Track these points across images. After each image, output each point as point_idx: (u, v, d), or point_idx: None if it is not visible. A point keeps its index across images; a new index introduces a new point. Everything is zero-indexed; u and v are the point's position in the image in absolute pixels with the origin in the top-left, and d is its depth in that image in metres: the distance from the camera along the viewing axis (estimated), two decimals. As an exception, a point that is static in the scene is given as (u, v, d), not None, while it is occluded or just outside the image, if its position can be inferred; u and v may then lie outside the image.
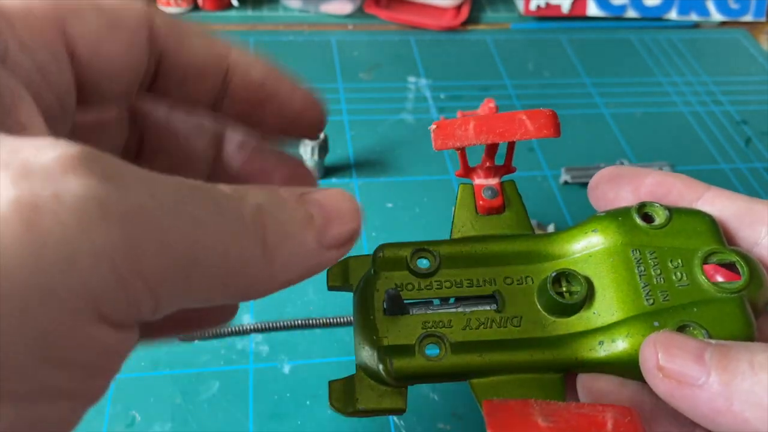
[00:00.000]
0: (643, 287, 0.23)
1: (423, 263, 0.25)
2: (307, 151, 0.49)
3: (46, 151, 0.15)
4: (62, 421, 0.16)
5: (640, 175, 0.26)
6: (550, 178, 0.53)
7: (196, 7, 0.69)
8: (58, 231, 0.14)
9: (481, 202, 0.27)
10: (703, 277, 0.23)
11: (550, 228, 0.47)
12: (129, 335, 0.16)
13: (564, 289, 0.24)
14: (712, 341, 0.21)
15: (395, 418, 0.36)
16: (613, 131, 0.58)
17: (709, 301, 0.23)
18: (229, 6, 0.69)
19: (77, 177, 0.14)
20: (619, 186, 0.26)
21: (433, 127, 0.26)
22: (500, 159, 0.28)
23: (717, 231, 0.24)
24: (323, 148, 0.49)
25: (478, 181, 0.28)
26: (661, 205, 0.25)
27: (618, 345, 0.22)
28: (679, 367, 0.20)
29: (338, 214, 0.21)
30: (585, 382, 0.23)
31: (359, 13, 0.70)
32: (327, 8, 0.70)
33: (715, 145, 0.58)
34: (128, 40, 0.22)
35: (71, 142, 0.15)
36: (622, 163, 0.54)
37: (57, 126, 0.21)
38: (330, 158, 0.52)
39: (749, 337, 0.22)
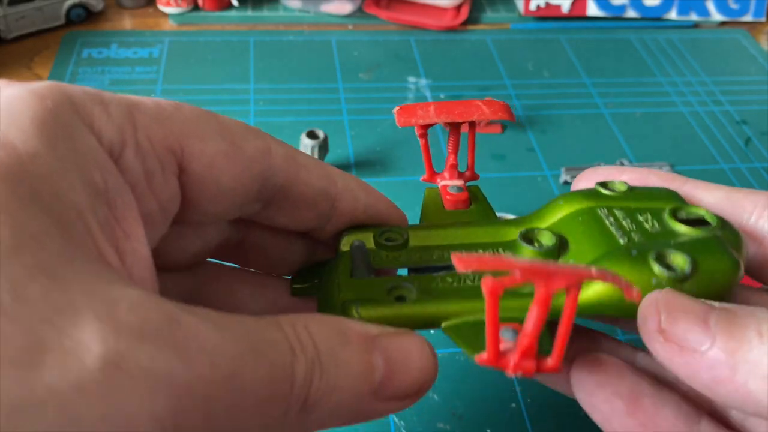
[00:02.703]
0: (615, 232, 0.23)
1: (390, 239, 0.26)
2: (307, 150, 0.49)
3: (136, 311, 0.15)
4: None
5: (615, 172, 0.26)
6: (549, 178, 0.53)
7: (196, 7, 0.69)
8: (128, 392, 0.14)
9: (448, 197, 0.28)
10: (677, 224, 0.22)
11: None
12: None
13: (535, 244, 0.24)
14: (716, 304, 0.19)
15: (395, 418, 0.36)
16: (612, 131, 0.59)
17: (686, 236, 0.22)
18: (229, 6, 0.69)
19: (152, 345, 0.15)
20: (596, 181, 0.26)
21: (397, 108, 0.27)
22: (463, 167, 0.29)
23: (681, 198, 0.24)
24: (323, 148, 0.49)
25: (443, 182, 0.29)
26: (622, 181, 0.25)
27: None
28: (681, 332, 0.19)
29: (406, 368, 0.19)
30: (578, 375, 0.22)
31: (359, 13, 0.70)
32: (327, 8, 0.70)
33: (715, 145, 0.58)
34: (242, 169, 0.23)
35: (158, 300, 0.16)
36: (622, 163, 0.54)
37: (156, 226, 0.21)
38: (330, 158, 0.52)
39: (734, 273, 0.21)
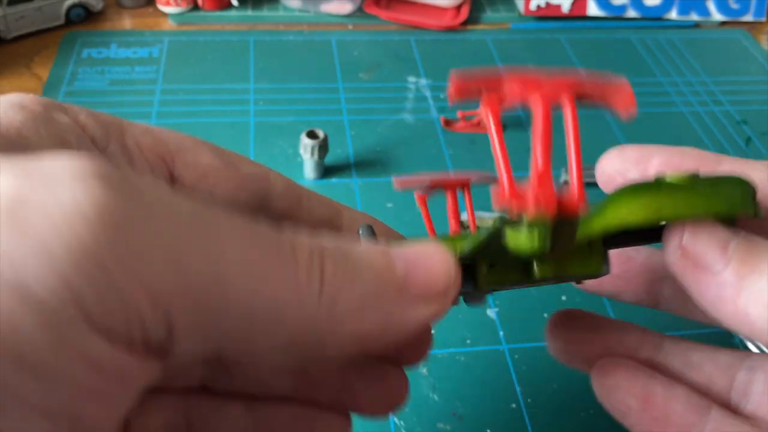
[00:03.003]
0: None
1: None
2: (307, 150, 0.49)
3: (62, 160, 0.14)
4: None
5: (645, 156, 0.25)
6: (550, 178, 0.53)
7: (195, 7, 0.69)
8: (42, 226, 0.13)
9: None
10: None
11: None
12: (138, 360, 0.15)
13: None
14: (742, 233, 0.20)
15: (395, 418, 0.36)
16: (613, 131, 0.58)
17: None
18: (229, 6, 0.69)
19: (81, 183, 0.14)
20: (627, 171, 0.26)
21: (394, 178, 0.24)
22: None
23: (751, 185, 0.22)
24: (323, 148, 0.49)
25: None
26: (684, 171, 0.22)
27: None
28: (700, 251, 0.20)
29: (426, 262, 0.19)
30: (597, 379, 0.23)
31: (359, 12, 0.70)
32: (327, 8, 0.70)
33: (715, 145, 0.58)
34: (237, 186, 0.22)
35: (94, 156, 0.15)
36: (622, 163, 0.54)
37: None
38: (330, 158, 0.52)
39: (750, 199, 0.21)
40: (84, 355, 0.14)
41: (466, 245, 0.21)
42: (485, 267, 0.22)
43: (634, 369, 0.23)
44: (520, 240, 0.19)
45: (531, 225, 0.19)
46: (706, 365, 0.24)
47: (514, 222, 0.19)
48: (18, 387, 0.13)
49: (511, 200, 0.17)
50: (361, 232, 0.23)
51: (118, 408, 0.15)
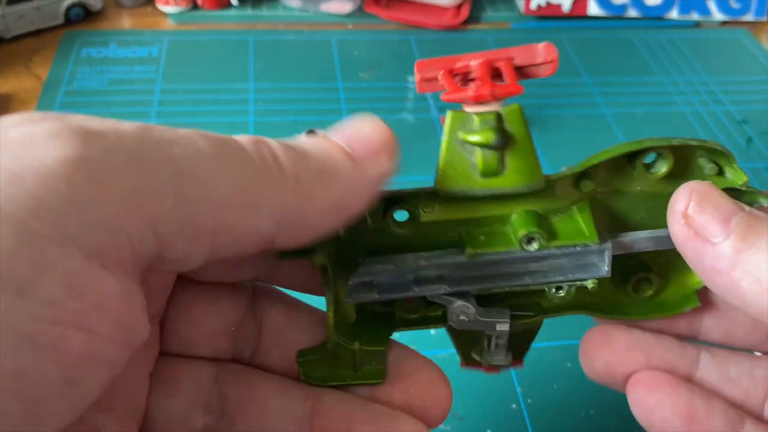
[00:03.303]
0: None
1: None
2: (306, 150, 0.49)
3: (21, 114, 0.15)
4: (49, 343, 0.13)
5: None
6: (550, 177, 0.52)
7: (195, 6, 0.68)
8: (6, 158, 0.14)
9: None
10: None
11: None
12: (115, 283, 0.15)
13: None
14: (747, 208, 0.21)
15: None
16: (613, 131, 0.58)
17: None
18: (229, 5, 0.69)
19: (41, 122, 0.15)
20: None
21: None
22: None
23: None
24: (323, 148, 0.49)
25: (469, 109, 0.23)
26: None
27: None
28: (703, 221, 0.20)
29: (361, 129, 0.21)
30: (635, 395, 0.23)
31: (359, 12, 0.70)
32: (327, 7, 0.70)
33: (716, 144, 0.58)
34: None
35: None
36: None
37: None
38: (330, 158, 0.52)
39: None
40: (66, 275, 0.14)
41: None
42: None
43: (677, 385, 0.23)
44: (475, 138, 0.22)
45: (480, 118, 0.22)
46: (744, 380, 0.24)
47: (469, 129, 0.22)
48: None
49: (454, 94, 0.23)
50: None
51: (105, 342, 0.15)
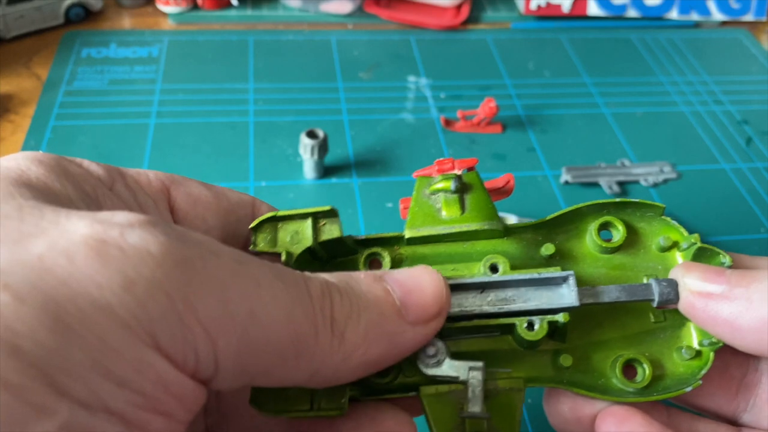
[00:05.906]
0: None
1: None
2: (306, 150, 0.49)
3: (118, 214, 0.17)
4: None
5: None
6: (550, 177, 0.52)
7: (195, 6, 0.68)
8: (120, 259, 0.16)
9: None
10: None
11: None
12: (191, 384, 0.17)
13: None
14: (728, 270, 0.23)
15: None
16: (613, 131, 0.58)
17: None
18: (229, 5, 0.69)
19: (143, 228, 0.17)
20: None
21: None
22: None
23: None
24: (323, 148, 0.49)
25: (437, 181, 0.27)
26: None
27: None
28: (701, 284, 0.23)
29: (419, 287, 0.21)
30: None
31: (359, 12, 0.70)
32: (327, 7, 0.70)
33: (716, 144, 0.58)
34: (227, 212, 0.25)
35: (148, 214, 0.18)
36: (622, 164, 0.54)
37: None
38: (330, 158, 0.52)
39: None
40: (151, 369, 0.16)
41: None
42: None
43: (649, 420, 0.23)
44: (438, 185, 0.26)
45: (442, 174, 0.26)
46: None
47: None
48: (103, 390, 0.15)
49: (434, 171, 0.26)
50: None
51: (178, 424, 0.17)
